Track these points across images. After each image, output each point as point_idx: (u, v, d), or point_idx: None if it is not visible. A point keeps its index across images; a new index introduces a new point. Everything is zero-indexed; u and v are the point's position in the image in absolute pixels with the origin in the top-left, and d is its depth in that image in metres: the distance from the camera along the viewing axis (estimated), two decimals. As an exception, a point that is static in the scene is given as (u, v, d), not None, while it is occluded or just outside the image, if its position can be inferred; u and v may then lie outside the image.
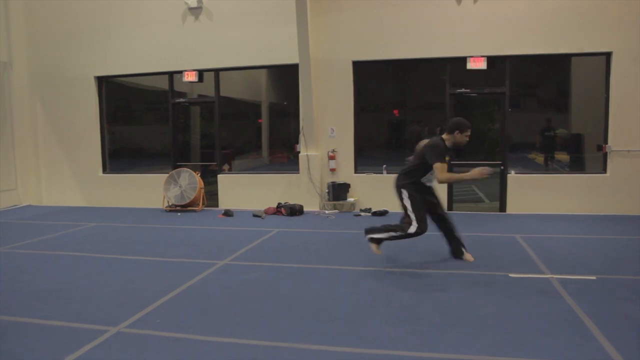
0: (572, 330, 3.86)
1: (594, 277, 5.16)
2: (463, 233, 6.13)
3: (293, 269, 5.79)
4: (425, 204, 5.55)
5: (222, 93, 10.53)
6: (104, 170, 11.14)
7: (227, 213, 9.52)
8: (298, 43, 9.43)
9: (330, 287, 5.07)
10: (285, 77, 10.81)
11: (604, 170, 9.06)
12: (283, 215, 9.42)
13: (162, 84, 10.91)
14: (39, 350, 3.68)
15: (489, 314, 4.22)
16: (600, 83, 9.09)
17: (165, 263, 6.14)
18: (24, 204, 11.27)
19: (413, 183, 5.56)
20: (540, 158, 10.01)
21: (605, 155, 9.03)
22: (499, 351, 3.50)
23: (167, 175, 10.17)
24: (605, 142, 8.99)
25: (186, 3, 10.22)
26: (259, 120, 11.74)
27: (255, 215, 9.39)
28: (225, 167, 10.62)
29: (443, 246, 6.07)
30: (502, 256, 6.13)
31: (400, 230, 5.52)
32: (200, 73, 10.44)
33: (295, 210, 9.42)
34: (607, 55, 8.93)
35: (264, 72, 11.22)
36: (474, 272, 5.49)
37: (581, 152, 9.72)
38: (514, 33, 9.06)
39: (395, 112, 10.77)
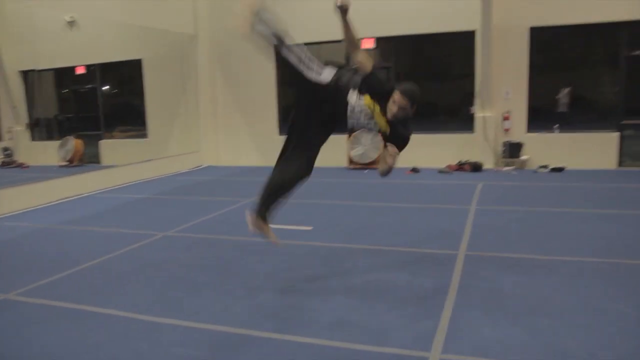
0: None
1: None
2: None
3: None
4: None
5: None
6: (280, 133, 12.23)
7: (415, 170, 10.42)
8: (482, 10, 10.08)
9: None
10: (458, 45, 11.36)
11: None
12: (466, 171, 10.26)
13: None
14: None
15: None
16: None
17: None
18: (205, 165, 12.49)
19: None
20: None
21: None
22: None
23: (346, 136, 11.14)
24: None
25: (365, -25, 10.96)
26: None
27: (441, 172, 10.27)
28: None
29: None
30: None
31: None
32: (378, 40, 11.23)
33: (477, 167, 10.25)
34: None
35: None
36: None
37: None
38: None
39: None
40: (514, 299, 3.84)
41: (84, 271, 4.86)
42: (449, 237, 5.60)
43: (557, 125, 10.52)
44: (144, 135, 12.54)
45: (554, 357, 2.98)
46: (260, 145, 12.31)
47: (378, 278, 4.41)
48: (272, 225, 4.20)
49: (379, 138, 10.04)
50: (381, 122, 3.83)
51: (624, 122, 10.18)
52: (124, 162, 10.76)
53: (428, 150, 11.04)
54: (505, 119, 10.62)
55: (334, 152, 11.41)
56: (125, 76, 13.28)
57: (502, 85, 10.62)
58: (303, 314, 3.70)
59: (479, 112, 10.68)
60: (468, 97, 10.96)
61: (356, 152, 11.00)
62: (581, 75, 10.94)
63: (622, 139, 10.15)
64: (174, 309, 3.88)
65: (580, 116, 10.55)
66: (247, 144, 12.50)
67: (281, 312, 3.75)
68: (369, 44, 11.26)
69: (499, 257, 4.86)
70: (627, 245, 5.12)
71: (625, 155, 10.18)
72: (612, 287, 4.01)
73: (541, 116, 10.70)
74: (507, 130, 10.65)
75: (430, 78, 11.92)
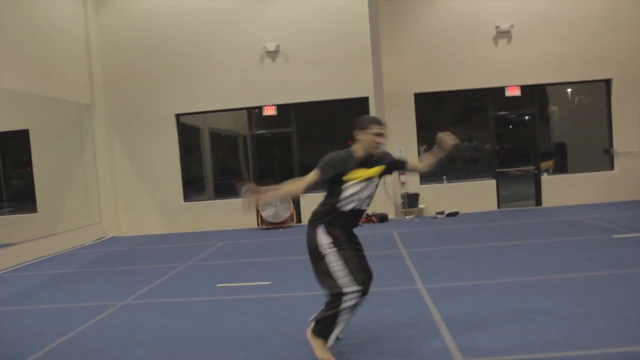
0: None
1: None
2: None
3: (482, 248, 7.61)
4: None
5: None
6: (185, 199, 12.21)
7: (327, 225, 11.04)
8: (373, 79, 11.35)
9: (530, 252, 6.95)
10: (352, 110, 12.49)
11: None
12: (374, 222, 11.13)
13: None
14: None
15: None
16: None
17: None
18: (108, 236, 11.96)
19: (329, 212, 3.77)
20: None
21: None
22: None
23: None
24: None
25: (264, 47, 11.77)
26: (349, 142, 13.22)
27: (351, 225, 11.01)
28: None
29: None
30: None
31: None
32: (278, 107, 11.97)
33: (384, 218, 11.18)
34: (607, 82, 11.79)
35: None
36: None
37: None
38: (541, 66, 11.64)
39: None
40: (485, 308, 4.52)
41: (60, 351, 4.60)
42: (402, 277, 6.22)
43: (445, 177, 11.93)
44: (33, 209, 11.68)
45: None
46: (165, 213, 12.15)
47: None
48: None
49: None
50: (373, 173, 3.79)
51: (498, 170, 11.90)
52: (10, 240, 9.91)
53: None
54: (401, 173, 11.79)
55: (242, 214, 11.75)
56: (10, 148, 12.40)
57: (396, 144, 11.82)
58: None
59: (378, 169, 11.72)
60: (366, 156, 12.00)
61: (268, 213, 11.36)
62: (461, 132, 12.63)
63: (498, 184, 11.82)
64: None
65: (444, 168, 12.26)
66: (151, 213, 12.24)
67: None
68: (270, 111, 11.96)
69: (454, 286, 5.57)
70: (539, 265, 6.15)
71: (502, 198, 11.84)
72: (543, 297, 4.89)
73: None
74: (403, 183, 11.82)
75: (328, 140, 12.89)
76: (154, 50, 12.08)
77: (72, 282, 7.51)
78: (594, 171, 11.88)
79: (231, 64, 11.91)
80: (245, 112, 12.27)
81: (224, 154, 14.10)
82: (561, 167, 12.31)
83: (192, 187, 12.69)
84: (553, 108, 12.70)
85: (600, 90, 12.01)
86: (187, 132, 12.72)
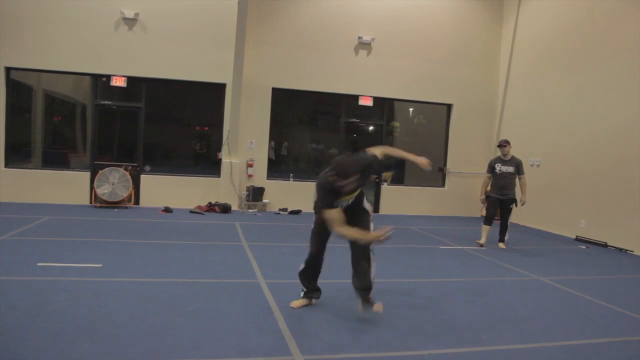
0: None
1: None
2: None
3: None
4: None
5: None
6: (6, 165, 10.82)
7: (167, 209, 10.60)
8: (234, 66, 11.15)
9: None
10: (206, 95, 12.15)
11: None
12: (216, 212, 10.95)
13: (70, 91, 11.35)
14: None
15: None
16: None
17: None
18: None
19: None
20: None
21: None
22: (511, 277, 6.40)
23: (83, 173, 10.76)
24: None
25: (122, 12, 10.93)
26: (197, 128, 12.70)
27: (193, 212, 10.72)
28: (147, 167, 11.48)
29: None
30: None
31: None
32: (129, 79, 11.19)
33: (227, 208, 11.04)
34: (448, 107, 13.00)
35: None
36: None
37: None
38: (394, 82, 12.44)
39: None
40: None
41: None
42: (243, 269, 6.20)
43: (291, 175, 12.16)
44: None
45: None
46: (-21, 177, 10.67)
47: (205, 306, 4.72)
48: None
49: (128, 177, 10.11)
50: (357, 192, 4.62)
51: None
52: None
53: (177, 191, 11.39)
54: (249, 165, 11.76)
55: (74, 189, 10.84)
56: None
57: (247, 136, 11.78)
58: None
59: (226, 158, 11.55)
60: (217, 144, 11.78)
61: (103, 190, 10.57)
62: (310, 133, 13.02)
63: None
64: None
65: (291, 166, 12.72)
66: (-39, 174, 10.65)
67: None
68: (120, 82, 11.13)
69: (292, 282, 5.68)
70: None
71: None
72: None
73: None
74: (250, 176, 11.79)
75: (176, 122, 12.42)
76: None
77: None
78: (427, 186, 12.99)
79: (82, 23, 10.82)
80: (89, 78, 11.26)
81: (59, 121, 12.83)
82: (398, 179, 13.24)
83: (17, 153, 11.31)
84: (394, 123, 13.62)
85: (437, 112, 13.19)
86: (17, 90, 11.31)
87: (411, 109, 13.73)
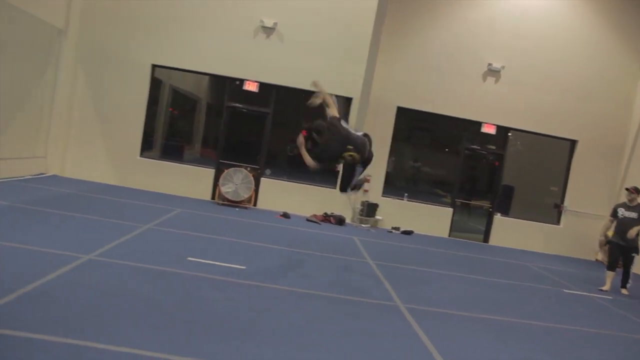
0: None
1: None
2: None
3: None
4: None
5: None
6: (142, 154, 11.53)
7: (285, 215, 10.83)
8: (363, 82, 11.22)
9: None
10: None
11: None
12: (331, 223, 11.04)
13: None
14: None
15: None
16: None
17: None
18: (49, 173, 11.09)
19: None
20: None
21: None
22: None
23: (208, 170, 11.23)
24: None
25: (261, 21, 11.34)
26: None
27: (309, 220, 10.88)
28: (268, 171, 11.80)
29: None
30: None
31: None
32: (260, 85, 11.58)
33: (342, 221, 11.12)
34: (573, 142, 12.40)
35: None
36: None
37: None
38: (520, 112, 12.04)
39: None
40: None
41: (29, 298, 4.15)
42: (376, 288, 6.19)
43: (406, 194, 12.05)
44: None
45: None
46: (118, 163, 11.41)
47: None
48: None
49: (251, 178, 10.40)
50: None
51: (457, 200, 12.19)
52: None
53: (293, 197, 11.61)
54: (367, 181, 11.77)
55: (198, 184, 11.37)
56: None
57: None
58: None
59: (346, 171, 11.62)
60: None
61: (227, 189, 10.98)
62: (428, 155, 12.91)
63: (454, 213, 12.11)
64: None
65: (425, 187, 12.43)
66: (102, 159, 11.44)
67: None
68: (252, 87, 11.54)
69: (432, 310, 5.59)
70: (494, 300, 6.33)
71: (453, 227, 12.17)
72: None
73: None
74: (366, 191, 11.80)
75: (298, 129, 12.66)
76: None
77: (22, 219, 6.86)
78: (537, 221, 12.46)
79: (224, 28, 11.34)
80: (214, 79, 11.83)
81: (178, 115, 13.45)
82: (503, 209, 12.71)
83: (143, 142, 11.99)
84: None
85: (552, 146, 12.71)
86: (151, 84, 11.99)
87: (518, 142, 13.20)
